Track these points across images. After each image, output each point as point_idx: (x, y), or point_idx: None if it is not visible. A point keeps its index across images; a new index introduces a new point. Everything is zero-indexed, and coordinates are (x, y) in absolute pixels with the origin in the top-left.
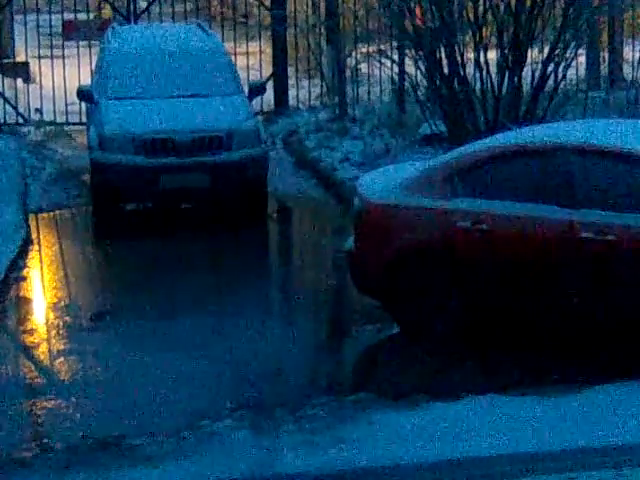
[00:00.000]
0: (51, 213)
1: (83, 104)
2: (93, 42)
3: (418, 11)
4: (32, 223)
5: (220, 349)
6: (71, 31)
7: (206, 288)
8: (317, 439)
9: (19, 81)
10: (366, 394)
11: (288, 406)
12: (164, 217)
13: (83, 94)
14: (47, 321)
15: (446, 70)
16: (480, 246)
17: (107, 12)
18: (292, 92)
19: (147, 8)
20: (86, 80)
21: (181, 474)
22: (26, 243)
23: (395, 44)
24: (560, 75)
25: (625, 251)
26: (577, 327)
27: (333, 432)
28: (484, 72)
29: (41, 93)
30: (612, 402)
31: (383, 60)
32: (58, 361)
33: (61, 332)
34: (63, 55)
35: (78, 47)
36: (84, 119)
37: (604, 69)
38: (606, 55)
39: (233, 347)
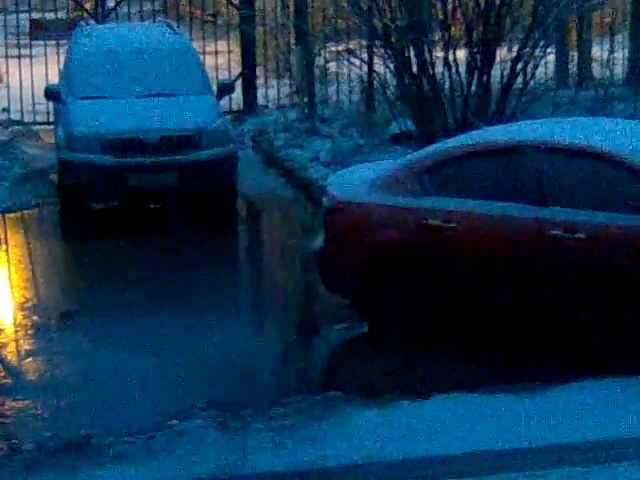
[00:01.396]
0: (19, 213)
1: (51, 104)
2: (61, 41)
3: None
4: None
5: (189, 348)
6: (39, 30)
7: (175, 287)
8: (287, 438)
9: None
10: (335, 393)
11: (258, 405)
12: (133, 216)
13: (51, 93)
14: (15, 321)
15: (415, 69)
16: (450, 244)
17: (76, 11)
18: (261, 91)
19: (115, 7)
20: (54, 79)
21: (150, 473)
22: None
23: (364, 43)
24: (529, 74)
25: (594, 248)
26: (547, 325)
27: (303, 431)
28: (453, 71)
29: (8, 92)
30: (582, 400)
31: (352, 59)
32: (26, 361)
33: (29, 332)
34: (31, 54)
35: (46, 46)
36: (52, 119)
37: (573, 68)
38: (575, 54)
39: (202, 346)
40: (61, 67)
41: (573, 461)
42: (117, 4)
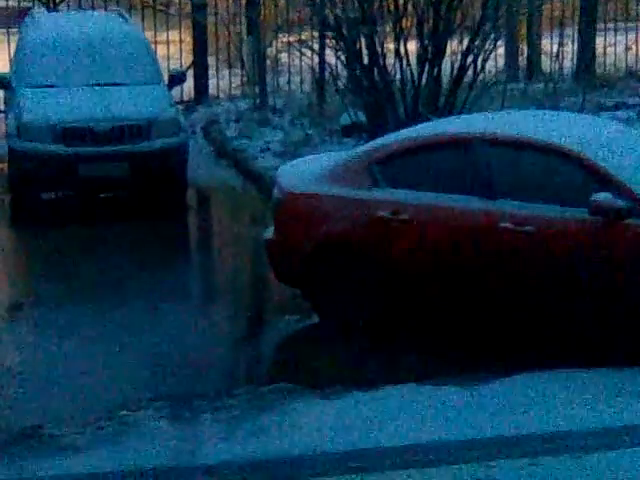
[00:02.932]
0: None
1: (1, 92)
2: (11, 29)
3: None
4: None
5: (139, 340)
6: None
7: (125, 278)
8: (237, 429)
9: None
10: (285, 384)
11: (207, 396)
12: (83, 206)
13: (1, 82)
14: None
15: (366, 60)
16: (400, 236)
17: None
18: (212, 81)
19: None
20: (4, 68)
21: (100, 464)
22: None
23: (316, 34)
24: (479, 66)
25: (542, 241)
26: (498, 318)
27: (252, 422)
28: (404, 63)
29: None
30: (530, 392)
31: (304, 50)
32: None
33: None
34: None
35: None
36: (2, 107)
37: (522, 61)
38: (524, 47)
39: (152, 338)
40: (12, 55)
41: (520, 452)
42: None
